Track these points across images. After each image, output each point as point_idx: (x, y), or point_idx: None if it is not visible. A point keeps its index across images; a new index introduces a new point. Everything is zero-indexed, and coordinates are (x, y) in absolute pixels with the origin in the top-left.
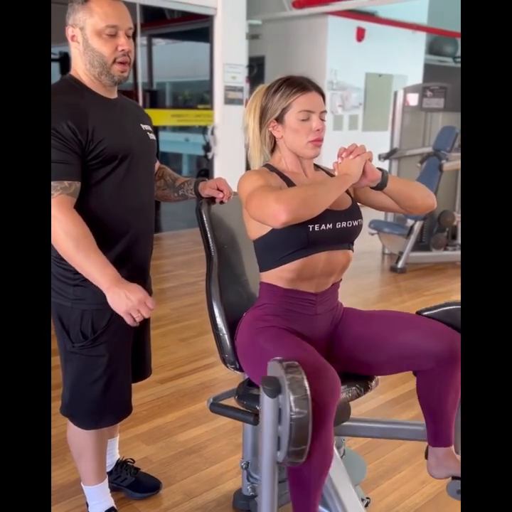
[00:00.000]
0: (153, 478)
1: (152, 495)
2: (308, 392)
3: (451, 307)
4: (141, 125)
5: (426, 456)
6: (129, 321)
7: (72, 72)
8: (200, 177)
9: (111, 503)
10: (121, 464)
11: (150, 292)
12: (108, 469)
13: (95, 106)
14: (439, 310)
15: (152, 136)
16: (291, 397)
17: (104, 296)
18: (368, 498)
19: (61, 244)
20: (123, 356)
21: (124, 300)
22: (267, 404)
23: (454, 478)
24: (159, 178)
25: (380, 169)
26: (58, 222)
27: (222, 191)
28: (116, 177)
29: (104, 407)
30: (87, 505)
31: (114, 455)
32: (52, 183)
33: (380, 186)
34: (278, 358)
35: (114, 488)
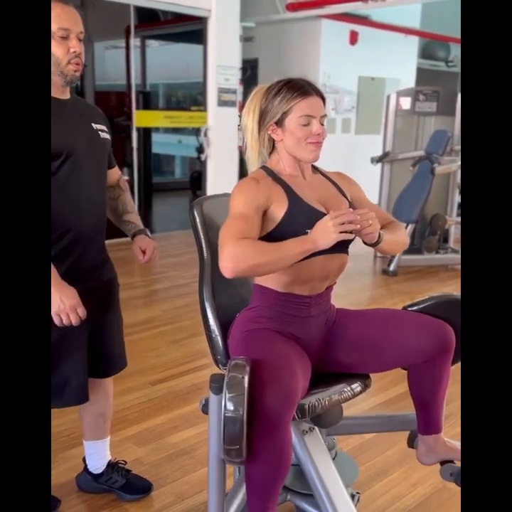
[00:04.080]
0: (144, 479)
1: (143, 497)
2: (246, 391)
3: (437, 301)
4: (93, 124)
5: (409, 445)
6: (57, 321)
7: None
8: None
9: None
10: (112, 466)
11: (109, 288)
12: (99, 471)
13: None
14: (426, 304)
15: (104, 136)
16: (227, 395)
17: None
18: (358, 492)
19: None
20: (69, 352)
21: (58, 302)
22: (211, 401)
23: (442, 463)
24: (116, 198)
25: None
26: None
27: (144, 253)
28: (61, 175)
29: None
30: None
31: (104, 457)
32: None
33: (374, 245)
34: (239, 357)
35: (105, 490)
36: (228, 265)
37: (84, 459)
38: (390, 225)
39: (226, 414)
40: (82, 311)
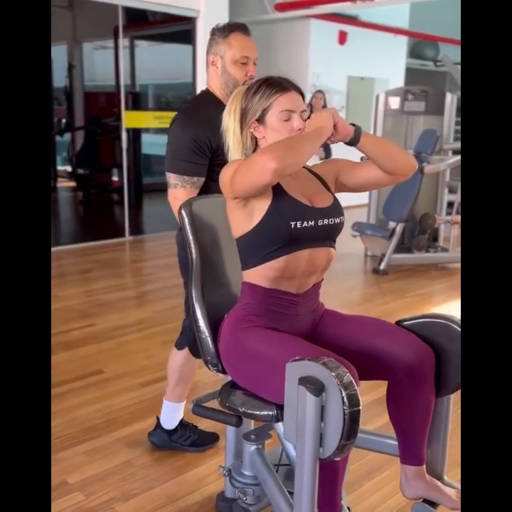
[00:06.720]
0: (211, 433)
1: (210, 447)
2: (357, 386)
3: (428, 320)
4: None
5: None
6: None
7: (208, 87)
8: None
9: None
10: (183, 424)
11: None
12: (173, 427)
13: None
14: (416, 321)
15: None
16: (344, 393)
17: None
18: (348, 507)
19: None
20: None
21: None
22: (310, 403)
23: (424, 500)
24: None
25: (353, 124)
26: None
27: None
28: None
29: None
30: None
31: (180, 416)
32: (185, 177)
33: (355, 139)
34: (306, 357)
35: (175, 447)
36: (266, 157)
37: (158, 419)
38: None
39: (347, 411)
40: None
